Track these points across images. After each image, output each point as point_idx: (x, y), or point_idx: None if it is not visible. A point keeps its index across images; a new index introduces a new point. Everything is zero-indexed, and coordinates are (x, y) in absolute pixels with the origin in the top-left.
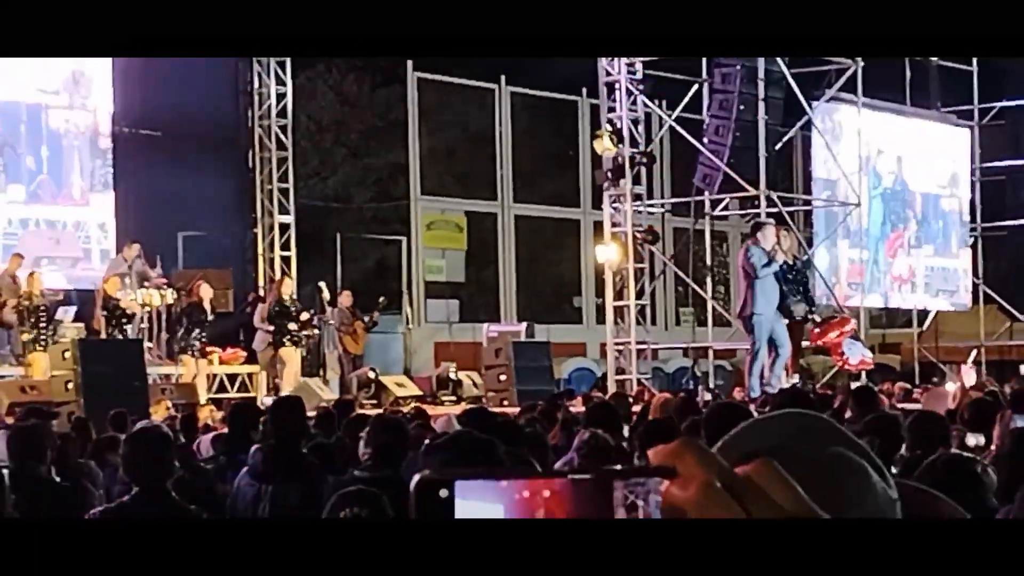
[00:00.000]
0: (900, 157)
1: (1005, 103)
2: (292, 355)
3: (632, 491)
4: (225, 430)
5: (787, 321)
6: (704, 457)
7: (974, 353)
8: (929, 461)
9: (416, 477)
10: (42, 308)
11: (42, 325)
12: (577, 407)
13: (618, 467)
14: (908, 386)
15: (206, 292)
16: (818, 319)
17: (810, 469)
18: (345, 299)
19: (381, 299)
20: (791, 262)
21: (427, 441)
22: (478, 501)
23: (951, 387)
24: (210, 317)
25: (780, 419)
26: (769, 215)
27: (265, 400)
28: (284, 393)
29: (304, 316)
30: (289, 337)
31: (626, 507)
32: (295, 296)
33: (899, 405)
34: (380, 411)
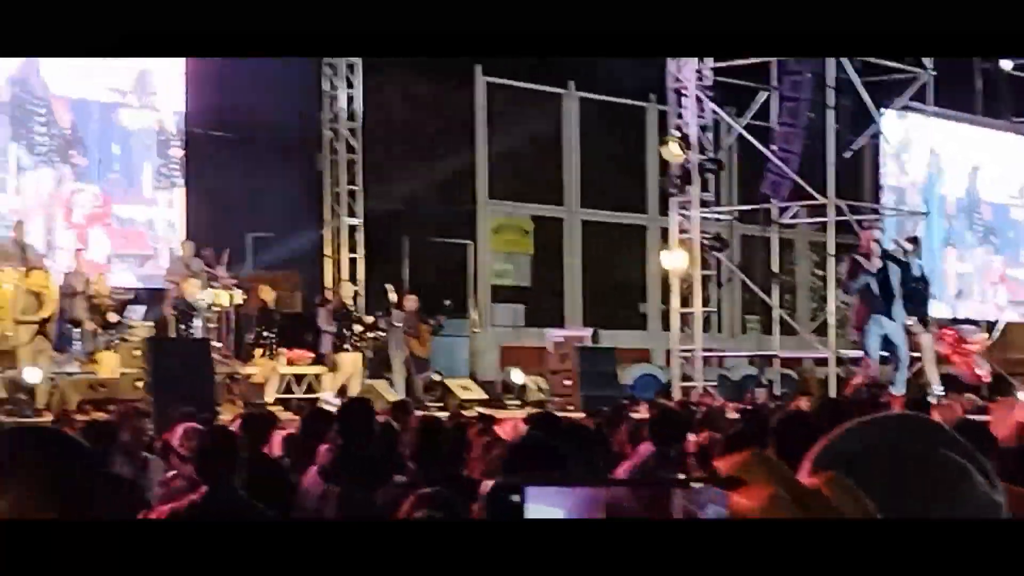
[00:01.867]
0: (990, 170)
1: None
2: (347, 359)
3: (691, 501)
4: (293, 431)
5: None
6: (772, 468)
7: None
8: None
9: (489, 483)
10: (111, 307)
11: (110, 323)
12: (642, 413)
13: (683, 476)
14: (976, 398)
15: (267, 294)
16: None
17: (909, 471)
18: (411, 302)
19: (447, 302)
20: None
21: (487, 447)
22: (545, 506)
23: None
24: (275, 318)
25: (882, 421)
26: (838, 224)
27: (330, 400)
28: (334, 396)
29: (367, 319)
30: (348, 340)
31: (684, 515)
32: (357, 299)
33: (969, 417)
34: (442, 415)
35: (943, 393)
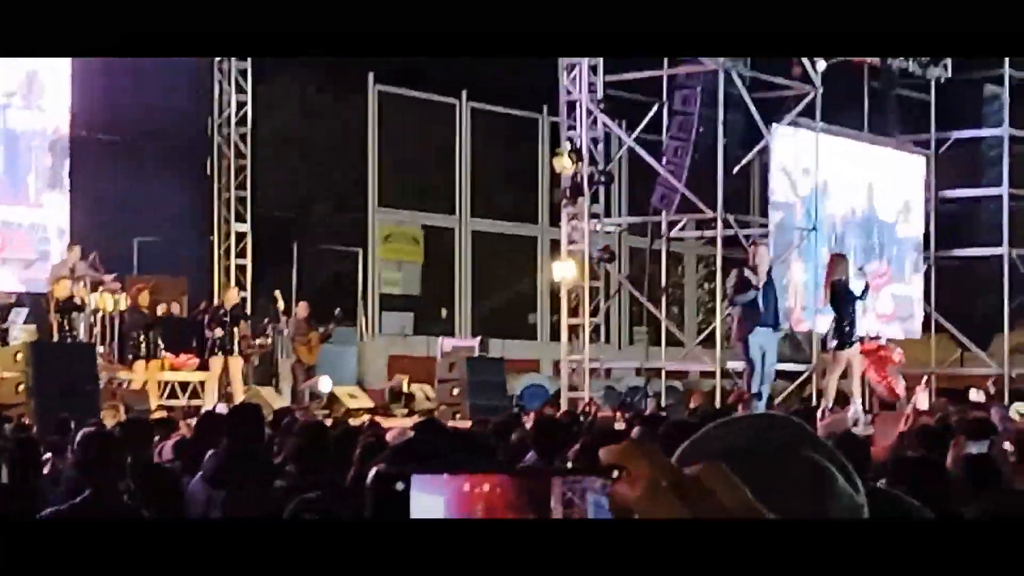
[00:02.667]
0: (870, 184)
1: (961, 133)
2: (220, 363)
3: (570, 489)
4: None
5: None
6: (652, 457)
7: (925, 379)
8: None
9: (373, 470)
10: None
11: None
12: (529, 423)
13: (566, 465)
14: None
15: (143, 298)
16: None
17: (773, 471)
18: (302, 310)
19: (337, 311)
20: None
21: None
22: (426, 494)
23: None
24: (151, 321)
25: (748, 421)
26: (726, 238)
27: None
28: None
29: (241, 326)
30: (225, 347)
31: (563, 504)
32: (244, 305)
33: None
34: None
35: (867, 412)
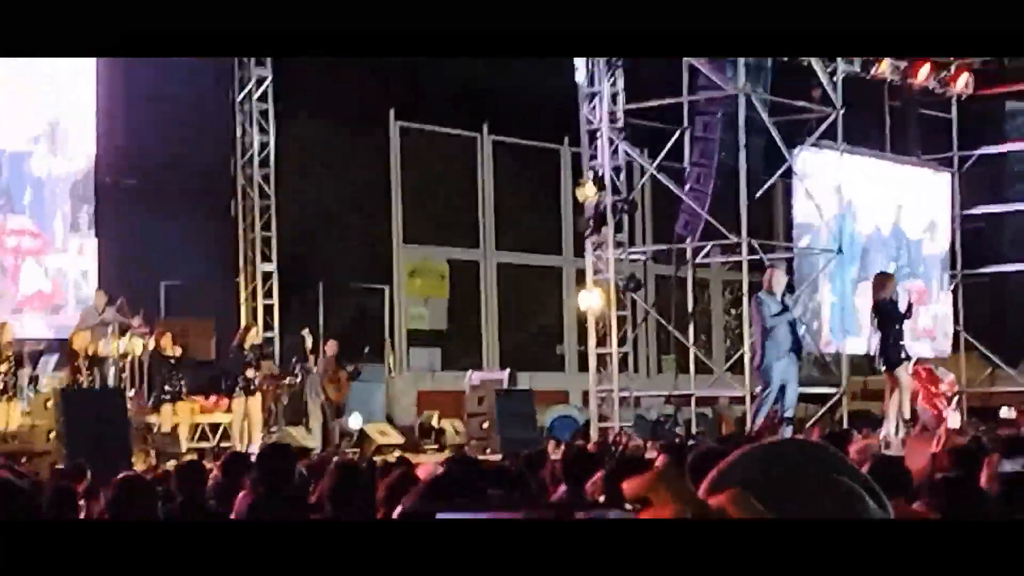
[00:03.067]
0: (901, 205)
1: (984, 150)
2: (242, 404)
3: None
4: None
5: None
6: (676, 488)
7: (956, 399)
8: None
9: (398, 509)
10: (10, 357)
11: (9, 374)
12: (555, 455)
13: (590, 499)
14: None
15: (166, 341)
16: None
17: (802, 498)
18: (331, 348)
19: (366, 349)
20: (894, 304)
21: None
22: None
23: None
24: (174, 364)
25: (777, 447)
26: (751, 263)
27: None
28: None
29: (264, 365)
30: (243, 387)
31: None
32: (261, 344)
33: (884, 452)
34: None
35: (905, 431)
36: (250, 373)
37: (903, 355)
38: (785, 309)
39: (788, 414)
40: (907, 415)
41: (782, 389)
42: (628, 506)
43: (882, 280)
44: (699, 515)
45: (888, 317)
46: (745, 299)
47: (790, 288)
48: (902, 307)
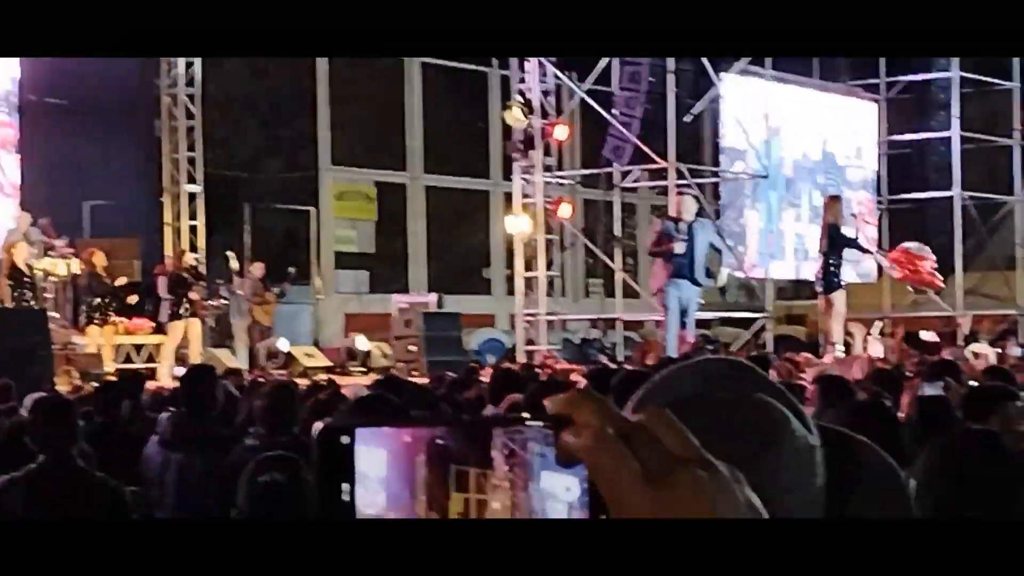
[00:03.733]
0: (827, 132)
1: (912, 77)
2: (186, 326)
3: (511, 439)
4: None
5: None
6: (598, 405)
7: (879, 324)
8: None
9: (318, 425)
10: None
11: None
12: (487, 378)
13: (505, 415)
14: (813, 357)
15: (99, 260)
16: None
17: (727, 414)
18: (257, 270)
19: (291, 270)
20: (839, 227)
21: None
22: (369, 447)
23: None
24: (108, 285)
25: (700, 366)
26: (679, 187)
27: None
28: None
29: (199, 287)
30: (186, 308)
31: (504, 454)
32: (198, 267)
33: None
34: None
35: (843, 350)
36: (192, 295)
37: (839, 281)
38: (690, 236)
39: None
40: (836, 340)
41: (684, 313)
42: (547, 426)
43: (829, 204)
44: (621, 431)
45: (836, 242)
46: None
47: (700, 214)
48: (850, 233)
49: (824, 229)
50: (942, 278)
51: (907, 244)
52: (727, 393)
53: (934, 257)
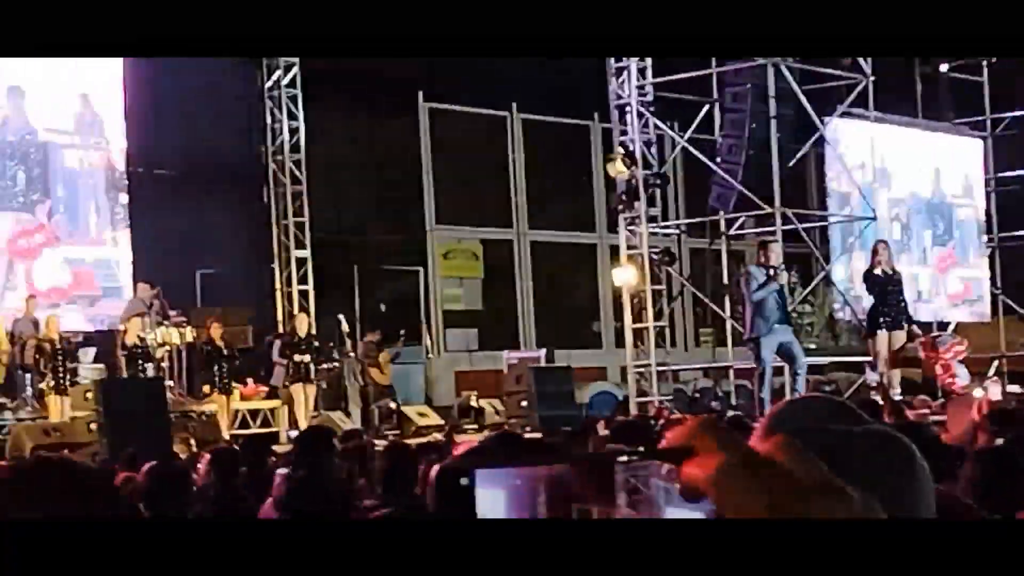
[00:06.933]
0: (935, 171)
1: (1017, 113)
2: (300, 391)
3: (633, 475)
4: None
5: (885, 330)
6: (722, 436)
7: (995, 364)
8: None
9: (436, 467)
10: (60, 350)
11: (59, 368)
12: (602, 431)
13: (630, 450)
14: (928, 399)
15: (216, 330)
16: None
17: (856, 446)
18: (372, 336)
19: (402, 332)
20: (890, 272)
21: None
22: (489, 488)
23: (979, 392)
24: (225, 353)
25: (813, 401)
26: (786, 233)
27: (290, 434)
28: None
29: (311, 353)
30: (300, 372)
31: (627, 490)
32: (313, 332)
33: (929, 418)
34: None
35: (900, 396)
36: (305, 359)
37: (881, 322)
38: (770, 279)
39: (799, 382)
40: (875, 380)
41: (790, 359)
42: (670, 461)
43: (875, 248)
44: (747, 461)
45: (872, 286)
46: (781, 269)
47: (787, 263)
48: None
49: (865, 273)
50: (989, 383)
51: (935, 335)
52: (848, 426)
53: (954, 345)
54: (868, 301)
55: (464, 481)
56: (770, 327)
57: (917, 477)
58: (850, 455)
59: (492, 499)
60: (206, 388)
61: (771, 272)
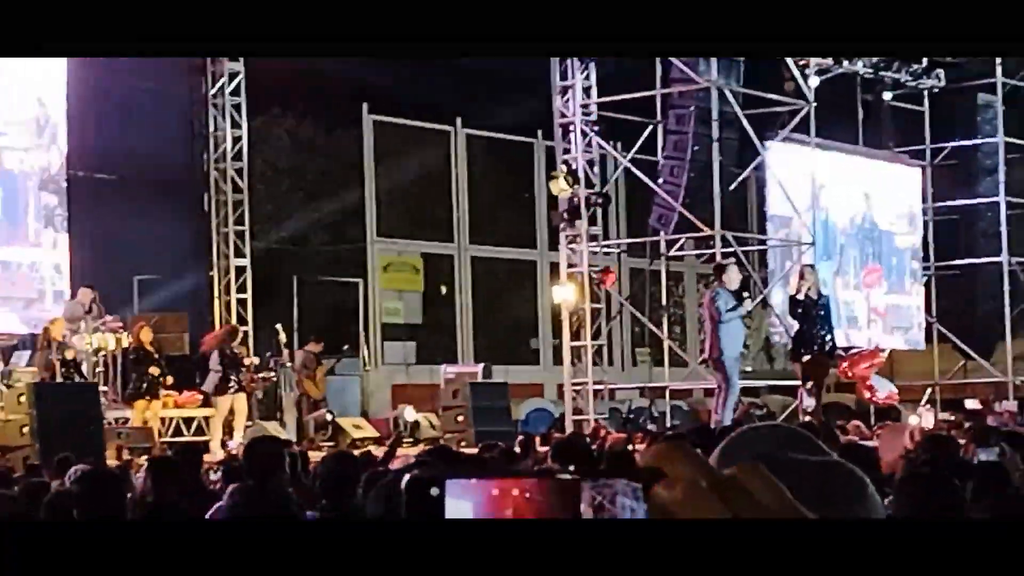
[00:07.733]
0: (867, 194)
1: (957, 143)
2: (228, 400)
3: (600, 493)
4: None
5: (811, 354)
6: (691, 458)
7: (928, 392)
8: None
9: (407, 476)
10: None
11: None
12: (539, 448)
13: (599, 468)
14: (862, 425)
15: (146, 335)
16: (843, 352)
17: (813, 474)
18: (314, 346)
19: (345, 347)
20: (815, 296)
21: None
22: (458, 499)
23: (914, 420)
24: (155, 358)
25: (771, 429)
26: (724, 255)
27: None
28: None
29: (247, 362)
30: (234, 381)
31: (593, 508)
32: (246, 340)
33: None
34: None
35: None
36: (243, 370)
37: (803, 350)
38: (738, 304)
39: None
40: (811, 405)
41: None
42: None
43: (801, 272)
44: (714, 483)
45: (796, 310)
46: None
47: (743, 286)
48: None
49: (790, 298)
50: (923, 411)
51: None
52: (803, 454)
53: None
54: (794, 325)
55: (435, 491)
56: (738, 349)
57: (868, 507)
58: (806, 484)
59: (459, 509)
60: (131, 392)
61: (741, 296)
